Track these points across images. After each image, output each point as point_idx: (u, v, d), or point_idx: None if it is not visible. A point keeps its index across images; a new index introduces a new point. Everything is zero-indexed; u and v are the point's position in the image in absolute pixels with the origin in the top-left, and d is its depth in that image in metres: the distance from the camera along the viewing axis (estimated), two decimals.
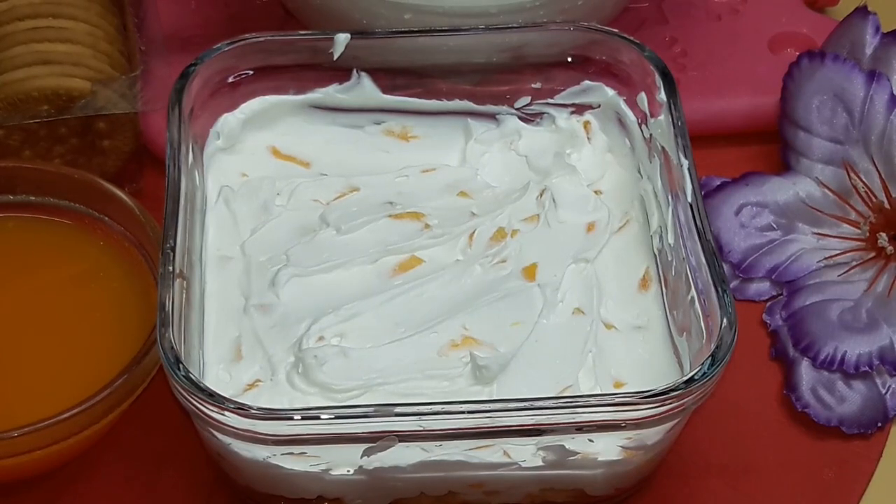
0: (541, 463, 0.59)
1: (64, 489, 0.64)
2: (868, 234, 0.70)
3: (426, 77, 0.69)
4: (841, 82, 0.71)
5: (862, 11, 0.72)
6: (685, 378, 0.56)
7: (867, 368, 0.66)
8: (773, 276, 0.70)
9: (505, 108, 0.70)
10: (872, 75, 0.70)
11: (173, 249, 0.59)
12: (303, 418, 0.55)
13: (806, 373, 0.67)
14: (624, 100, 0.68)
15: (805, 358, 0.67)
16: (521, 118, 0.70)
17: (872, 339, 0.66)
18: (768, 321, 0.70)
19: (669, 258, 0.63)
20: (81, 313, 0.64)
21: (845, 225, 0.71)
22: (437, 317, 0.62)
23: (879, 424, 0.66)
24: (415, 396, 0.59)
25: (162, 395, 0.60)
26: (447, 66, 0.69)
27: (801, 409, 0.66)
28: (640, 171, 0.68)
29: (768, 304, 0.70)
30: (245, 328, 0.62)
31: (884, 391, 0.67)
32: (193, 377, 0.55)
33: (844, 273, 0.69)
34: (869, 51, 0.71)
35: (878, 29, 0.71)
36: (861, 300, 0.68)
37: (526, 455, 0.58)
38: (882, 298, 0.68)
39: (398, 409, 0.55)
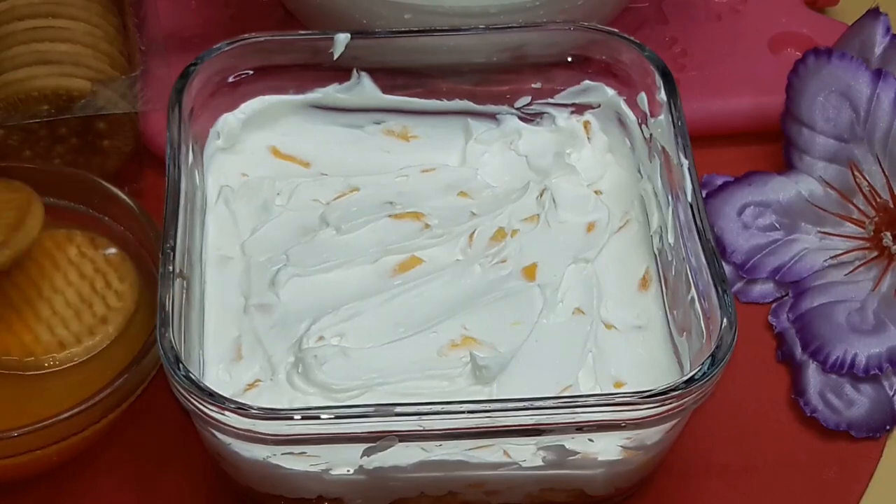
0: (541, 463, 0.59)
1: (64, 489, 0.64)
2: (872, 233, 0.70)
3: (426, 77, 0.69)
4: (847, 80, 0.71)
5: (873, 13, 0.72)
6: (685, 378, 0.56)
7: (877, 371, 0.66)
8: (776, 277, 0.70)
9: (505, 107, 0.70)
10: (879, 73, 0.70)
11: (173, 249, 0.59)
12: (303, 418, 0.55)
13: (814, 377, 0.67)
14: (624, 100, 0.68)
15: (813, 361, 0.67)
16: (521, 118, 0.70)
17: (881, 340, 0.66)
18: (774, 323, 0.70)
19: (669, 258, 0.63)
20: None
21: (849, 224, 0.71)
22: (436, 317, 0.62)
23: (888, 427, 0.66)
24: (415, 396, 0.59)
25: (162, 395, 0.60)
26: (447, 66, 0.69)
27: (809, 413, 0.66)
28: (640, 171, 0.68)
29: (773, 305, 0.70)
30: (245, 328, 0.62)
31: (891, 393, 0.66)
32: (193, 377, 0.55)
33: (849, 273, 0.69)
34: (878, 50, 0.71)
35: (888, 29, 0.71)
36: (867, 301, 0.68)
37: (526, 455, 0.58)
38: (888, 299, 0.68)
39: (398, 409, 0.55)
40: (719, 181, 0.73)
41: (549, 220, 0.66)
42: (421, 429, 0.55)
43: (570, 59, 0.69)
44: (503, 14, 0.70)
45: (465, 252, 0.65)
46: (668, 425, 0.58)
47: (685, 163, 0.63)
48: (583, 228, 0.66)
